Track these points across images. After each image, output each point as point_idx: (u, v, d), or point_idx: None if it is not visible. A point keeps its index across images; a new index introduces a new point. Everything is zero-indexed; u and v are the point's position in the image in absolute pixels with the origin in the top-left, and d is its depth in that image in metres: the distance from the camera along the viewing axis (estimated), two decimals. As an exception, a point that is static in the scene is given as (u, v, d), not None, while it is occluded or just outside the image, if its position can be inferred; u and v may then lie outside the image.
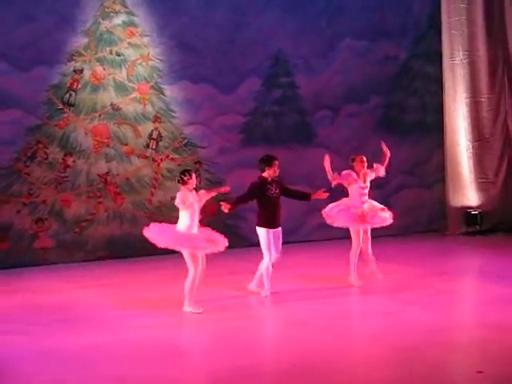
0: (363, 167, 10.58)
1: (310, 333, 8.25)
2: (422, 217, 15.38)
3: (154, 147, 13.70)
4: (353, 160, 10.64)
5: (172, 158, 13.80)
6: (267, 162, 10.07)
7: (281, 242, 10.15)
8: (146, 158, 13.64)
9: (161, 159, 13.66)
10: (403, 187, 15.30)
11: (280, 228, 10.15)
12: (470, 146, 14.92)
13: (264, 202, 10.00)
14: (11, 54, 12.76)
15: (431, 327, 8.19)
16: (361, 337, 7.92)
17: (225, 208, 9.72)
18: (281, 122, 14.59)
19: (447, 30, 14.86)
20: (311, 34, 14.65)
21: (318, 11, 14.70)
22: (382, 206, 10.78)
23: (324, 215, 10.62)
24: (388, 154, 10.78)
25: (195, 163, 13.88)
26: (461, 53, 14.86)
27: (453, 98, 14.95)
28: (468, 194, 14.90)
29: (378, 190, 14.10)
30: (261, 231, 10.01)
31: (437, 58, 15.13)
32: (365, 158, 10.61)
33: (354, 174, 10.56)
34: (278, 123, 14.57)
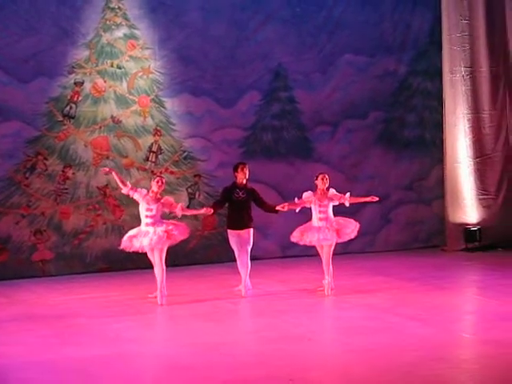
0: (324, 185, 10.73)
1: (308, 347, 8.20)
2: (420, 232, 15.36)
3: (153, 160, 13.72)
4: (316, 177, 10.87)
5: (171, 172, 13.80)
6: (234, 167, 10.94)
7: (249, 243, 10.73)
8: (146, 170, 13.65)
9: (160, 172, 13.65)
10: (402, 203, 15.29)
11: (247, 230, 10.73)
12: (472, 163, 14.85)
13: (230, 205, 10.82)
14: (12, 65, 12.80)
15: (431, 343, 8.14)
16: (359, 352, 7.87)
17: (208, 212, 10.70)
18: (280, 136, 14.59)
19: (448, 45, 14.83)
20: (311, 49, 14.69)
21: (318, 26, 14.72)
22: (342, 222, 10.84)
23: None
24: (367, 200, 10.96)
25: (194, 176, 13.89)
26: (462, 68, 14.80)
27: (453, 114, 14.89)
28: (468, 210, 14.82)
29: (377, 205, 14.21)
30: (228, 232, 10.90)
31: (436, 73, 15.12)
32: (327, 176, 10.78)
33: (310, 194, 10.75)
34: (278, 137, 14.58)
